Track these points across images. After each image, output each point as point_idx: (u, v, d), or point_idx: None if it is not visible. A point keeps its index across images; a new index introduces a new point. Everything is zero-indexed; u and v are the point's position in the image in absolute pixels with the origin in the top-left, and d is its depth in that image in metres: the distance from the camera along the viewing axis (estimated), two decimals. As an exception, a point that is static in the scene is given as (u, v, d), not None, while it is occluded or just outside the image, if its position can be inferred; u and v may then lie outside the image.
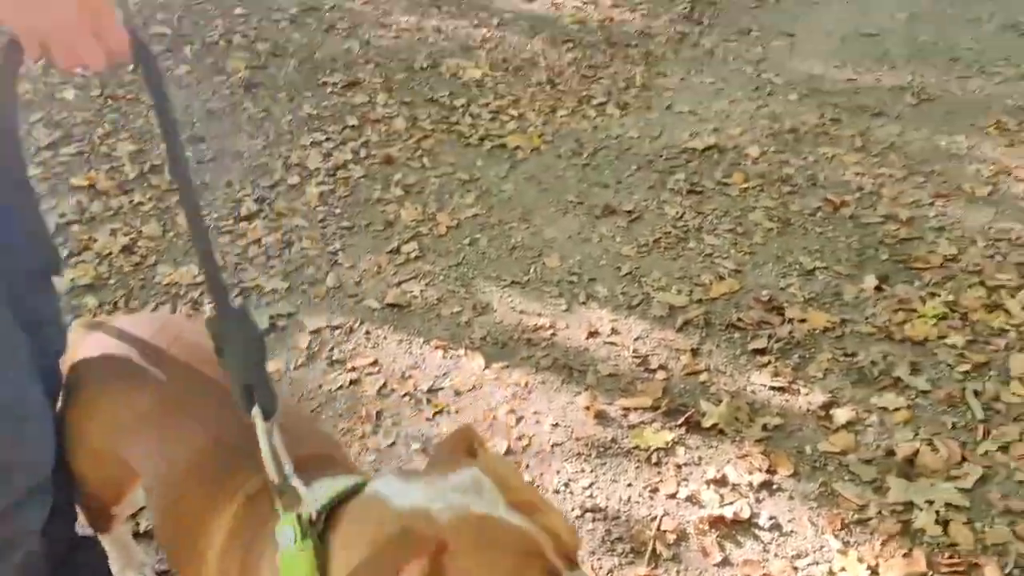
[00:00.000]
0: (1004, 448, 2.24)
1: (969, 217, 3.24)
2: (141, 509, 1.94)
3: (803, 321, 2.74)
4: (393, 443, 2.37)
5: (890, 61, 4.70)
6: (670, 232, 3.25)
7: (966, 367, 2.50)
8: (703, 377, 2.55)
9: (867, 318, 2.74)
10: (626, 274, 3.03)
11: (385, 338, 2.77)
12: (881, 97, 4.28)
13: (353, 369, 2.64)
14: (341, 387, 2.57)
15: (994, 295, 2.80)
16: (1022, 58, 4.61)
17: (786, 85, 4.46)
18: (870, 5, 5.60)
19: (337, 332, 2.80)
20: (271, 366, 2.61)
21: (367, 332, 2.79)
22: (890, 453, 2.25)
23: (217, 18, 5.00)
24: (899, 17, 5.35)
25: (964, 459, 2.21)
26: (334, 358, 2.69)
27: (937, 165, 3.61)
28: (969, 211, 3.28)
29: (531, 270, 3.08)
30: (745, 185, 3.53)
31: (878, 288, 2.87)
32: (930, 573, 1.94)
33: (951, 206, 3.32)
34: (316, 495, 1.02)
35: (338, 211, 3.44)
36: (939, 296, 2.80)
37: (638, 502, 2.17)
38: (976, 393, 2.41)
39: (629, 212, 3.38)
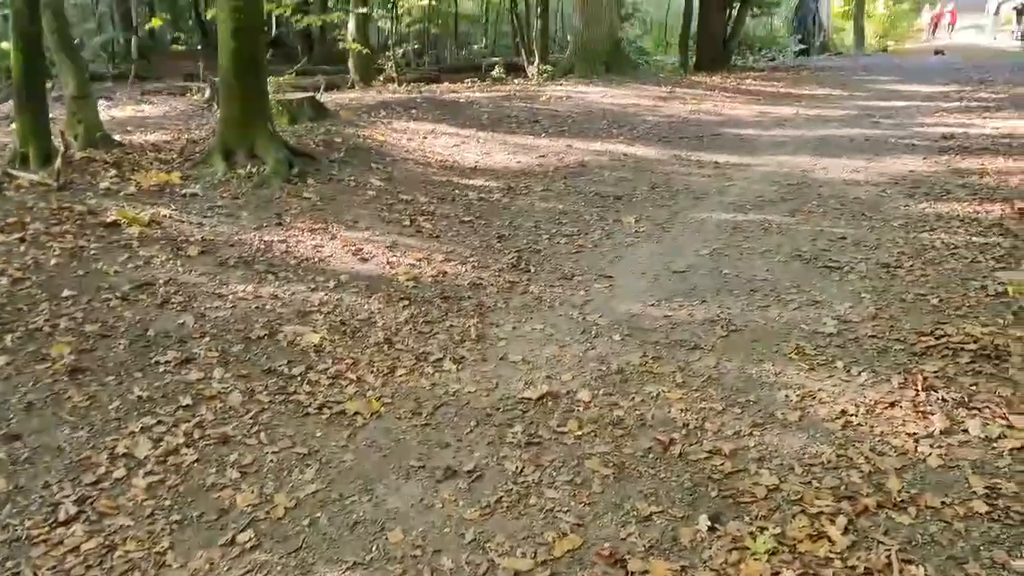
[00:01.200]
0: None
1: (785, 444, 3.47)
2: None
3: (646, 572, 2.77)
4: None
5: (699, 295, 5.16)
6: (511, 489, 3.28)
7: (801, 604, 2.58)
8: (553, 649, 2.50)
9: (705, 562, 2.81)
10: (470, 541, 3.00)
11: (217, 648, 2.57)
12: (695, 331, 4.64)
13: None
14: None
15: (816, 523, 2.95)
16: (810, 284, 5.18)
17: (610, 326, 4.78)
18: (676, 244, 6.22)
19: (163, 648, 2.57)
20: None
21: (197, 644, 2.59)
22: None
23: (43, 302, 4.89)
24: (703, 253, 5.95)
25: None
26: None
27: (751, 394, 3.89)
28: (784, 438, 3.51)
29: (374, 547, 3.00)
30: (580, 432, 3.66)
31: (711, 528, 2.97)
32: None
33: (767, 434, 3.55)
34: None
35: (168, 503, 3.28)
36: (768, 530, 2.92)
37: None
38: (813, 631, 2.47)
39: (470, 472, 3.41)
